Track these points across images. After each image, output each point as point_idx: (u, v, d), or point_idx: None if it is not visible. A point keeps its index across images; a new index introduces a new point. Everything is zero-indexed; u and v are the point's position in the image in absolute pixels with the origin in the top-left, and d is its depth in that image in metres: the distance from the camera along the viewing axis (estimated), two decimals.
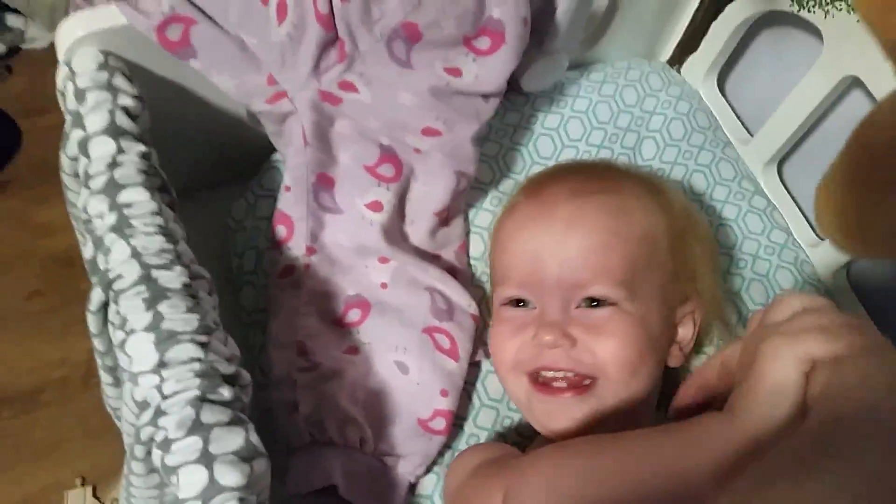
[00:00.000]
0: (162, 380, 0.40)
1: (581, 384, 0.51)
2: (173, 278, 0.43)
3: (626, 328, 0.50)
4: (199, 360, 0.41)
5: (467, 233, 0.65)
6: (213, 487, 0.36)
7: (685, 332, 0.55)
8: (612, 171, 0.61)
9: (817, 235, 0.70)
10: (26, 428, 1.11)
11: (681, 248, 0.55)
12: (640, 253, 0.53)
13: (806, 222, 0.70)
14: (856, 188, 0.38)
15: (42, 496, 1.05)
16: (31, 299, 1.22)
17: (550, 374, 0.52)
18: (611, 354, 0.50)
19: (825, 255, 0.67)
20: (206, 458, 0.37)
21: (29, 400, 1.14)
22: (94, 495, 1.04)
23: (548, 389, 0.51)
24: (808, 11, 0.60)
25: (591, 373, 0.51)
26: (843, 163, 0.40)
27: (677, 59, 0.77)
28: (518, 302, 0.55)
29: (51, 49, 1.55)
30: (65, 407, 1.13)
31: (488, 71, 0.56)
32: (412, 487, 0.55)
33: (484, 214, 0.66)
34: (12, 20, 1.40)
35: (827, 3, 0.57)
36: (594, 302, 0.51)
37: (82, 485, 1.04)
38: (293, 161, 0.55)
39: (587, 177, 0.58)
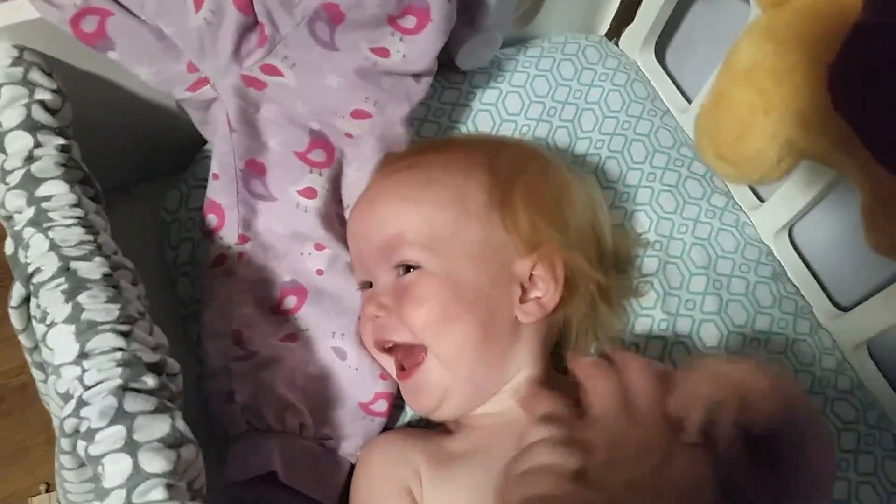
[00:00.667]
0: (83, 370, 0.39)
1: (417, 362, 0.53)
2: (93, 269, 0.43)
3: (431, 287, 0.52)
4: (120, 349, 0.40)
5: None
6: (138, 475, 0.36)
7: (545, 286, 0.53)
8: (436, 145, 0.63)
9: (758, 198, 0.70)
10: None
11: (509, 202, 0.54)
12: (439, 214, 0.53)
13: (746, 187, 0.71)
14: None
15: None
16: None
17: (390, 345, 0.54)
18: (413, 317, 0.52)
19: (767, 217, 0.68)
20: (131, 447, 0.37)
21: None
22: (59, 501, 1.02)
23: (401, 375, 0.54)
24: None
25: (413, 339, 0.52)
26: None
27: (615, 32, 0.78)
28: (367, 284, 0.57)
29: None
30: (26, 413, 1.11)
31: (416, 50, 0.56)
32: (353, 468, 0.55)
33: None
34: None
35: None
36: (408, 269, 0.53)
37: (47, 491, 1.03)
38: (220, 148, 0.55)
39: (403, 156, 0.59)
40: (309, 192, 0.56)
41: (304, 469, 0.51)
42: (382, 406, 0.55)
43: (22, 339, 0.47)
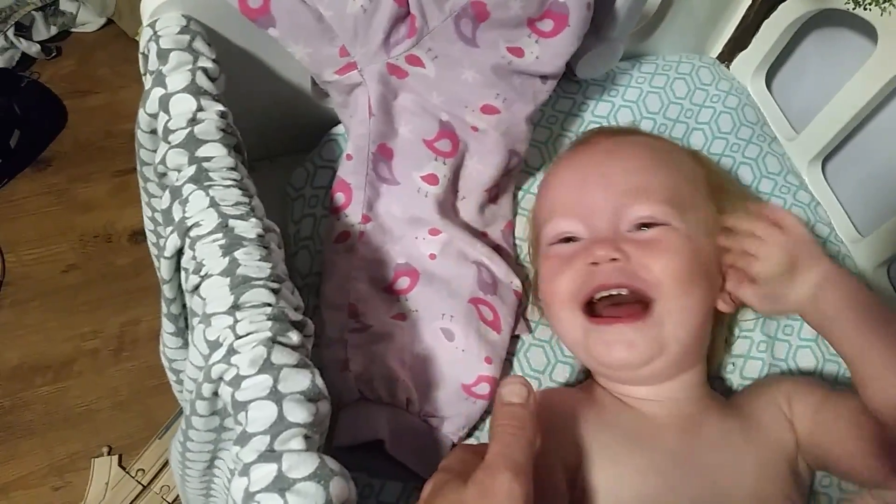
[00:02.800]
0: (236, 321, 0.41)
1: (638, 311, 0.51)
2: (249, 228, 0.45)
3: (678, 244, 0.52)
4: (270, 304, 0.43)
5: (515, 214, 0.67)
6: (281, 423, 0.37)
7: (733, 284, 0.55)
8: (643, 131, 0.65)
9: (858, 232, 0.71)
10: (58, 396, 1.13)
11: (720, 199, 0.57)
12: (682, 182, 0.55)
13: (847, 219, 0.71)
14: None
15: (70, 463, 1.07)
16: (67, 272, 1.24)
17: (605, 293, 0.52)
18: (665, 267, 0.51)
19: (866, 252, 0.68)
20: (276, 395, 0.38)
21: (62, 369, 1.16)
22: (120, 464, 1.05)
23: (605, 320, 0.52)
24: (864, 9, 0.61)
25: (647, 290, 0.51)
26: None
27: (727, 56, 0.79)
28: (566, 240, 0.56)
29: (99, 33, 1.58)
30: (95, 378, 1.15)
31: (549, 52, 0.57)
32: (454, 448, 0.56)
33: (531, 198, 0.67)
34: (66, 4, 1.45)
35: (885, 1, 0.58)
36: (643, 226, 0.53)
37: (109, 454, 1.06)
38: (356, 131, 0.57)
39: (624, 128, 0.62)
40: (431, 179, 0.58)
41: (409, 442, 0.53)
42: (485, 389, 0.56)
43: (165, 289, 0.50)
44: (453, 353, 0.57)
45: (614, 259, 0.51)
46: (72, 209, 1.31)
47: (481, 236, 0.63)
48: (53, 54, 1.45)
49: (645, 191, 0.53)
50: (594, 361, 0.54)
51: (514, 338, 0.61)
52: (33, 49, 1.41)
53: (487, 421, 0.58)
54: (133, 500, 1.03)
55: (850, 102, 0.67)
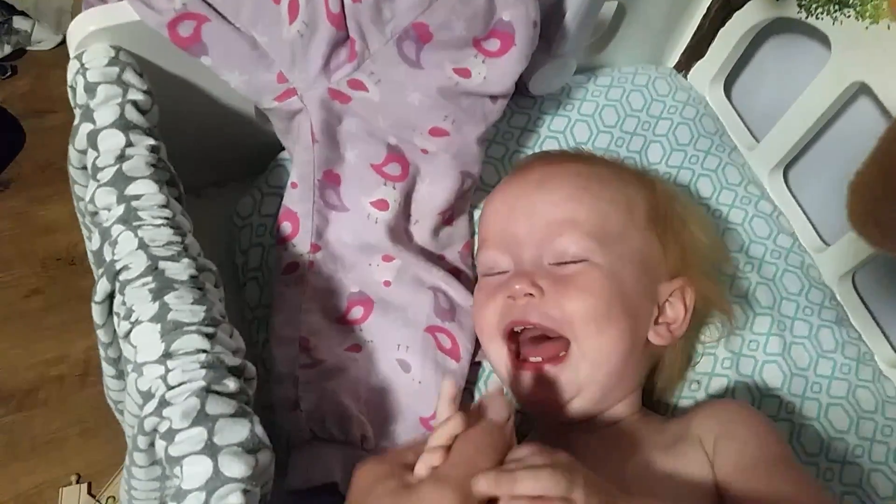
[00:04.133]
0: (167, 370, 0.40)
1: (557, 356, 0.51)
2: (180, 270, 0.43)
3: (594, 281, 0.51)
4: (205, 351, 0.41)
5: (472, 234, 0.65)
6: (217, 478, 0.36)
7: (674, 312, 0.54)
8: (591, 154, 0.64)
9: (822, 241, 0.70)
10: (23, 425, 1.10)
11: (665, 225, 0.56)
12: (612, 212, 0.54)
13: (811, 227, 0.70)
14: (887, 190, 0.40)
15: (37, 493, 1.04)
16: (29, 297, 1.22)
17: (521, 329, 0.52)
18: (577, 306, 0.50)
19: (831, 261, 0.67)
20: (211, 449, 0.37)
21: (26, 397, 1.13)
22: (90, 493, 1.03)
23: (526, 364, 0.52)
24: (816, 18, 0.60)
25: (557, 329, 0.51)
26: (874, 164, 0.41)
27: (684, 65, 0.78)
28: (496, 272, 0.55)
29: (55, 51, 1.55)
30: (61, 405, 1.12)
31: (497, 72, 0.56)
32: None
33: None
34: (19, 22, 1.41)
35: (835, 10, 0.58)
36: (566, 261, 0.52)
37: (77, 482, 1.04)
38: (300, 158, 0.55)
39: (564, 153, 0.61)
40: (381, 204, 0.57)
41: None
42: None
43: (100, 333, 0.48)
44: (410, 386, 0.55)
45: (529, 294, 0.51)
46: (33, 232, 1.29)
47: (438, 260, 0.62)
48: (8, 73, 1.41)
49: (567, 223, 0.52)
50: (518, 398, 0.54)
51: (475, 364, 0.60)
52: None
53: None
54: None
55: (808, 110, 0.66)
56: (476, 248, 0.64)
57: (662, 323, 0.54)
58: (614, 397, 0.53)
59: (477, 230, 0.62)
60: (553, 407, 0.51)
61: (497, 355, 0.54)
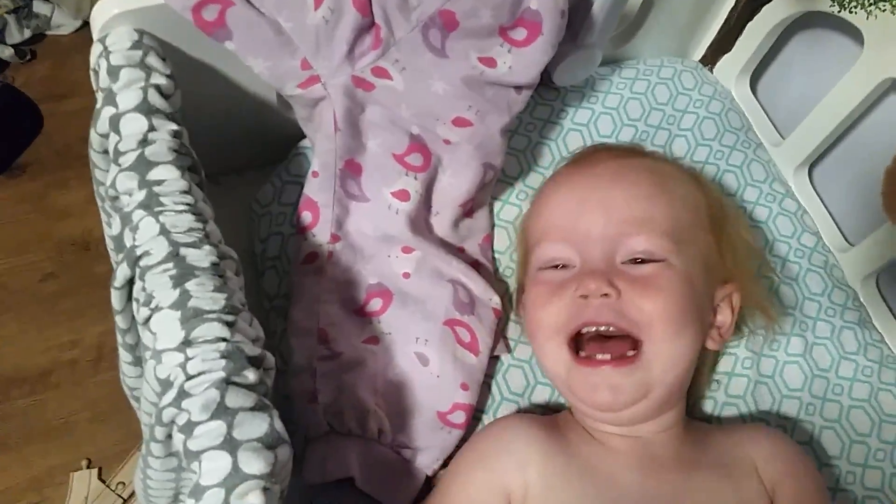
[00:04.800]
0: (187, 358, 0.39)
1: (625, 355, 0.49)
2: (202, 257, 0.43)
3: (674, 283, 0.49)
4: (225, 339, 0.40)
5: (492, 226, 0.65)
6: (236, 475, 0.35)
7: (724, 317, 0.54)
8: (651, 150, 0.62)
9: (846, 241, 0.69)
10: (35, 409, 1.11)
11: (720, 228, 0.55)
12: (684, 213, 0.52)
13: (836, 227, 0.69)
14: None
15: (48, 477, 1.05)
16: (44, 282, 1.22)
17: (593, 329, 0.49)
18: (659, 309, 0.48)
19: (855, 261, 0.66)
20: (230, 444, 0.36)
21: (39, 381, 1.14)
22: (100, 478, 1.03)
23: (591, 362, 0.49)
24: (850, 12, 0.59)
25: (635, 331, 0.48)
26: None
27: (710, 59, 0.76)
28: (558, 265, 0.53)
29: (75, 36, 1.55)
30: (74, 389, 1.13)
31: (523, 62, 0.55)
32: (428, 481, 0.54)
33: (509, 208, 0.65)
34: (39, 7, 1.41)
35: (870, 4, 0.56)
36: (640, 260, 0.50)
37: (88, 467, 1.04)
38: (322, 147, 0.55)
39: (628, 148, 0.59)
40: (402, 195, 0.56)
41: (381, 476, 0.51)
42: (460, 417, 0.54)
43: (118, 319, 0.47)
44: (428, 380, 0.54)
45: (605, 294, 0.49)
46: (49, 216, 1.29)
47: (458, 252, 0.61)
48: (28, 58, 1.41)
49: (646, 222, 0.50)
50: (574, 398, 0.52)
51: (493, 359, 0.59)
52: (6, 52, 1.38)
53: None
54: None
55: (837, 107, 0.65)
56: (515, 238, 0.62)
57: (714, 327, 0.53)
58: (670, 404, 0.51)
59: (530, 220, 0.58)
60: (617, 408, 0.49)
61: (555, 355, 0.51)
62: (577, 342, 0.51)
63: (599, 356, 0.49)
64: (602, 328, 0.49)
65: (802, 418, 0.59)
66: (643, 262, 0.50)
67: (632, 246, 0.50)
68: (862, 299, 0.66)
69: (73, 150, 1.33)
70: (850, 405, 0.60)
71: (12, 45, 1.39)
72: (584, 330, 0.50)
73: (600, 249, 0.51)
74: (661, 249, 0.50)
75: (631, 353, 0.49)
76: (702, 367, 0.56)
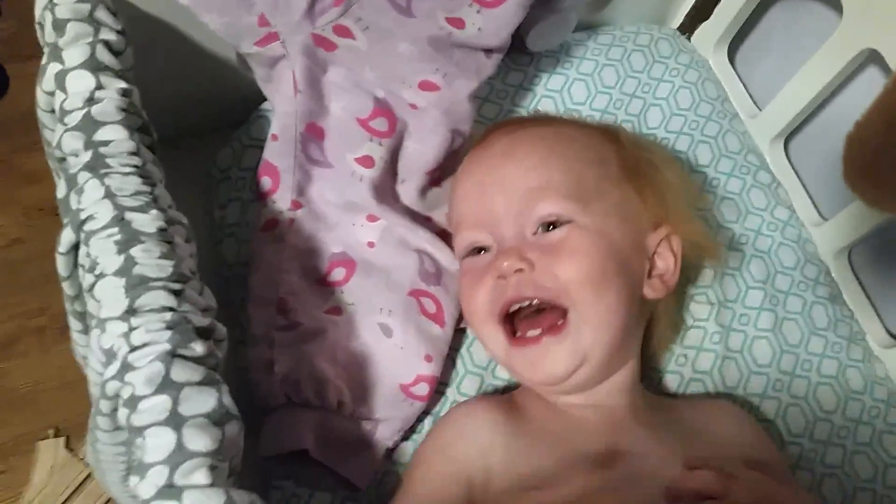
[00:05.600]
0: (131, 328, 0.37)
1: (555, 324, 0.49)
2: (148, 222, 0.41)
3: (584, 243, 0.49)
4: (171, 309, 0.39)
5: None
6: (181, 452, 0.34)
7: (665, 263, 0.53)
8: (550, 115, 0.63)
9: (820, 215, 0.68)
10: (1, 377, 1.08)
11: (638, 173, 0.54)
12: (585, 170, 0.52)
13: (810, 201, 0.68)
14: (889, 141, 0.38)
15: (14, 446, 1.03)
16: (10, 247, 1.19)
17: (517, 307, 0.50)
18: (572, 272, 0.48)
19: (828, 236, 0.65)
20: (175, 420, 0.34)
21: (5, 348, 1.11)
22: (67, 447, 1.02)
23: (523, 341, 0.50)
24: None
25: (556, 299, 0.49)
26: (877, 113, 0.39)
27: (688, 27, 0.75)
28: (477, 250, 0.53)
29: None
30: (41, 357, 1.10)
31: (493, 24, 0.53)
32: (389, 454, 0.53)
33: None
34: None
35: None
36: (550, 226, 0.50)
37: (55, 436, 1.02)
38: (282, 109, 0.53)
39: (524, 119, 0.59)
40: (366, 161, 0.54)
41: (338, 447, 0.50)
42: (423, 389, 0.53)
43: (65, 286, 0.46)
44: (391, 351, 0.53)
45: (519, 270, 0.49)
46: (14, 181, 1.25)
47: (424, 221, 0.60)
48: None
49: (543, 189, 0.50)
50: (521, 379, 0.52)
51: (459, 331, 0.58)
52: None
53: (425, 423, 0.55)
54: (80, 484, 0.99)
55: (814, 78, 0.63)
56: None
57: (655, 276, 0.52)
58: (617, 363, 0.51)
59: (448, 213, 0.58)
60: (557, 380, 0.49)
61: (493, 339, 0.51)
62: (513, 323, 0.51)
63: (531, 333, 0.50)
64: (525, 303, 0.49)
65: (769, 395, 0.59)
66: (552, 228, 0.50)
67: (536, 215, 0.50)
68: (834, 274, 0.66)
69: None
70: (817, 381, 0.60)
71: None
72: (514, 308, 0.50)
73: (509, 227, 0.51)
74: (565, 211, 0.50)
75: (561, 321, 0.49)
76: (657, 319, 0.56)
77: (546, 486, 0.46)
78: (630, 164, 0.54)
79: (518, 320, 0.51)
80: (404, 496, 0.48)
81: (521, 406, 0.52)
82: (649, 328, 0.56)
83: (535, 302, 0.49)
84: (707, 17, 0.73)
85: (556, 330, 0.48)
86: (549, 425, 0.50)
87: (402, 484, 0.50)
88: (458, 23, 0.53)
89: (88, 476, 0.99)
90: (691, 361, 0.59)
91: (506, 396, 0.54)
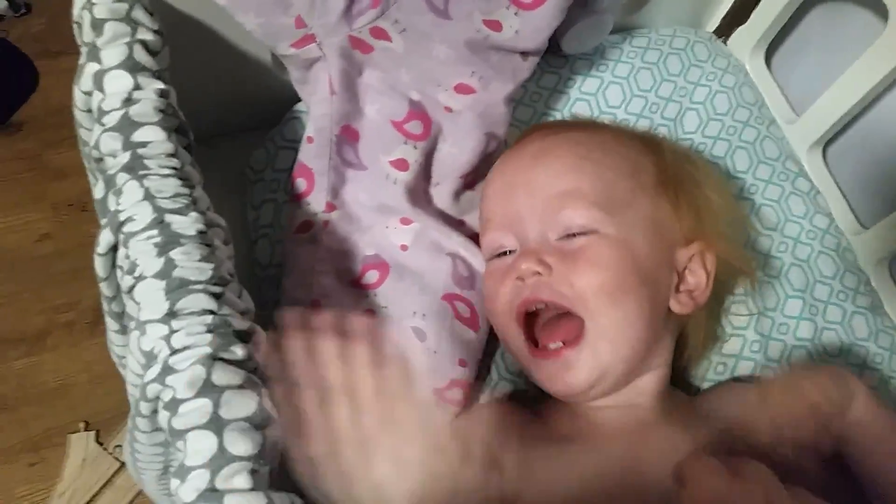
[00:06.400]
0: (171, 331, 0.37)
1: (573, 335, 0.49)
2: (188, 224, 0.41)
3: (604, 253, 0.48)
4: (211, 312, 0.39)
5: None
6: (222, 456, 0.34)
7: (695, 279, 0.52)
8: (591, 120, 0.62)
9: (860, 223, 0.67)
10: (32, 371, 1.10)
11: (676, 187, 0.53)
12: (617, 179, 0.51)
13: (849, 209, 0.67)
14: None
15: (45, 439, 1.04)
16: (40, 242, 1.20)
17: (535, 308, 0.50)
18: (588, 281, 0.48)
19: (868, 245, 0.64)
20: (216, 424, 0.34)
21: (35, 343, 1.13)
22: (97, 440, 1.03)
23: (545, 353, 0.49)
24: None
25: (570, 306, 0.48)
26: None
27: (725, 31, 0.74)
28: (503, 253, 0.53)
29: None
30: (71, 351, 1.12)
31: (530, 26, 0.53)
32: None
33: None
34: None
35: None
36: (572, 233, 0.50)
37: (86, 429, 1.04)
38: (317, 111, 0.52)
39: (563, 123, 0.58)
40: (400, 164, 0.54)
41: None
42: (457, 395, 0.52)
43: (102, 287, 0.46)
44: (424, 355, 0.53)
45: (537, 273, 0.49)
46: (44, 176, 1.27)
47: (458, 225, 0.59)
48: (23, 11, 1.38)
49: (570, 195, 0.50)
50: (541, 386, 0.52)
51: (495, 336, 0.57)
52: (1, 6, 1.34)
53: None
54: (111, 477, 1.00)
55: (855, 85, 0.62)
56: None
57: (684, 290, 0.52)
58: (641, 371, 0.51)
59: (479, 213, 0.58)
60: (575, 392, 0.49)
61: (515, 343, 0.52)
62: (533, 329, 0.51)
63: (552, 345, 0.49)
64: (541, 306, 0.50)
65: None
66: (575, 235, 0.49)
67: (560, 221, 0.50)
68: (874, 284, 0.64)
69: (69, 108, 1.29)
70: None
71: None
72: (532, 309, 0.50)
73: (533, 230, 0.51)
74: (590, 220, 0.49)
75: (578, 333, 0.49)
76: (691, 329, 0.55)
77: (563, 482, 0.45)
78: (668, 177, 0.53)
79: (538, 328, 0.51)
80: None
81: (543, 411, 0.52)
82: (683, 337, 0.55)
83: (544, 306, 0.49)
84: (744, 21, 0.72)
85: (573, 342, 0.48)
86: (567, 431, 0.50)
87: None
88: (496, 25, 0.52)
89: (119, 469, 1.00)
90: (730, 369, 0.58)
91: (526, 406, 0.54)
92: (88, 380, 1.08)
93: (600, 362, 0.48)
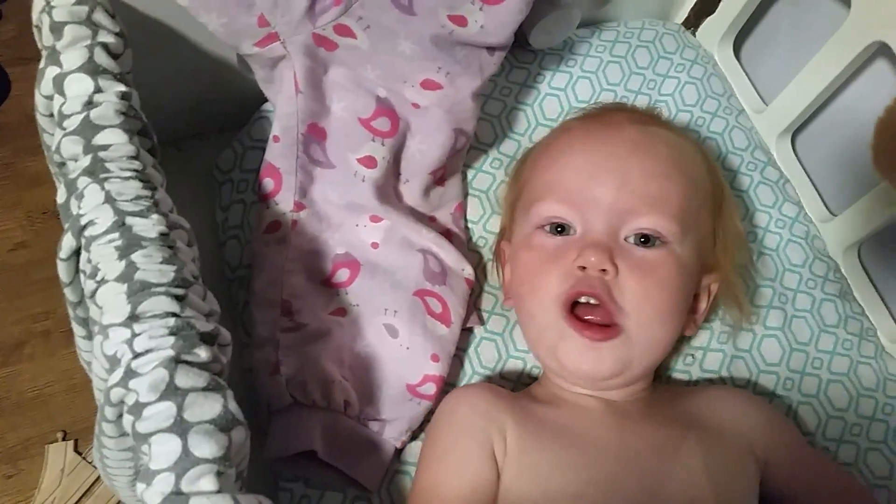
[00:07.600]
0: (133, 334, 0.37)
1: (610, 323, 0.47)
2: (149, 226, 0.41)
3: (672, 275, 0.48)
4: (174, 314, 0.38)
5: (465, 195, 0.63)
6: (187, 459, 0.33)
7: (703, 305, 0.53)
8: (668, 119, 0.61)
9: (829, 211, 0.67)
10: (8, 381, 1.08)
11: (718, 214, 0.53)
12: (694, 195, 0.50)
13: (818, 197, 0.67)
14: None
15: (22, 449, 1.03)
16: (15, 251, 1.19)
17: (583, 300, 0.48)
18: (652, 297, 0.47)
19: (837, 232, 0.64)
20: (180, 427, 0.34)
21: (11, 353, 1.11)
22: (76, 450, 1.02)
23: (581, 324, 0.47)
24: None
25: (619, 314, 0.47)
26: None
27: (693, 22, 0.74)
28: (557, 228, 0.51)
29: None
30: (48, 361, 1.10)
31: (495, 21, 0.53)
32: (398, 453, 0.53)
33: (483, 177, 0.63)
34: None
35: None
36: (644, 239, 0.48)
37: (63, 439, 1.02)
38: (283, 110, 0.52)
39: (648, 113, 0.56)
40: (368, 161, 0.54)
41: (346, 448, 0.49)
42: (430, 389, 0.52)
43: (67, 292, 0.45)
44: (397, 351, 0.53)
45: (603, 270, 0.47)
46: (18, 184, 1.25)
47: (428, 221, 0.59)
48: None
49: (659, 201, 0.48)
50: (557, 363, 0.50)
51: (466, 331, 0.57)
52: None
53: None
54: (90, 487, 0.99)
55: (821, 72, 0.63)
56: (504, 188, 0.59)
57: (691, 315, 0.53)
58: (642, 376, 0.51)
59: (534, 171, 0.55)
60: (597, 379, 0.49)
61: (548, 323, 0.49)
62: (570, 307, 0.49)
63: (589, 317, 0.48)
64: (592, 299, 0.48)
65: (780, 393, 0.58)
66: (647, 241, 0.48)
67: (640, 223, 0.48)
68: (843, 271, 0.65)
69: None
70: (828, 379, 0.59)
71: None
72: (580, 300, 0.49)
73: (605, 220, 0.49)
74: (668, 233, 0.48)
75: (612, 326, 0.48)
76: (675, 347, 0.56)
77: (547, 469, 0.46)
78: (719, 200, 0.53)
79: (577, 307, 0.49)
80: (431, 477, 0.47)
81: (526, 396, 0.52)
82: None
83: (591, 301, 0.48)
84: (712, 12, 0.72)
85: (611, 332, 0.47)
86: (556, 412, 0.49)
87: (421, 470, 0.49)
88: (461, 20, 0.52)
89: (98, 479, 0.99)
90: (699, 361, 0.58)
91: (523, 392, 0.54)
92: (66, 389, 1.07)
93: (628, 360, 0.48)
